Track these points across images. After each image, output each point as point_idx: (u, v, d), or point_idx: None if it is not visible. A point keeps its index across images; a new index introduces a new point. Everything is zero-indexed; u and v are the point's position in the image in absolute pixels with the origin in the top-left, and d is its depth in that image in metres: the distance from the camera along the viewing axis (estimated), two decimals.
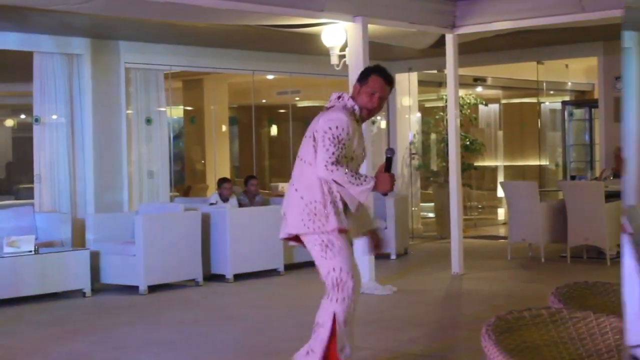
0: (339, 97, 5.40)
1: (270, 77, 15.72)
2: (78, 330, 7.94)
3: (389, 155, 5.23)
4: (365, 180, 5.13)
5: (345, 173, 5.09)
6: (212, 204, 11.29)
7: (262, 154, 19.02)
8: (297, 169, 5.35)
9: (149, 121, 12.40)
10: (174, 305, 9.18)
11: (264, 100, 18.64)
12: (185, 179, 17.19)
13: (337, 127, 5.15)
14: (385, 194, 5.33)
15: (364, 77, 5.44)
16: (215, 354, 6.80)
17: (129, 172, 12.04)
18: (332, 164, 5.08)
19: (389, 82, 5.45)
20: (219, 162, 16.05)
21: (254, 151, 15.38)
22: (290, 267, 11.18)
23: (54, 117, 11.47)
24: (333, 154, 5.09)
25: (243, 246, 10.58)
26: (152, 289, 9.80)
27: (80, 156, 11.55)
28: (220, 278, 10.53)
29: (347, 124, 5.17)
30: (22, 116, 19.09)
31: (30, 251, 9.37)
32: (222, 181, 11.81)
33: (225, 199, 11.48)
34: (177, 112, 17.27)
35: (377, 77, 5.40)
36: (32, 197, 11.70)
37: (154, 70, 12.48)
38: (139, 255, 9.74)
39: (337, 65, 10.47)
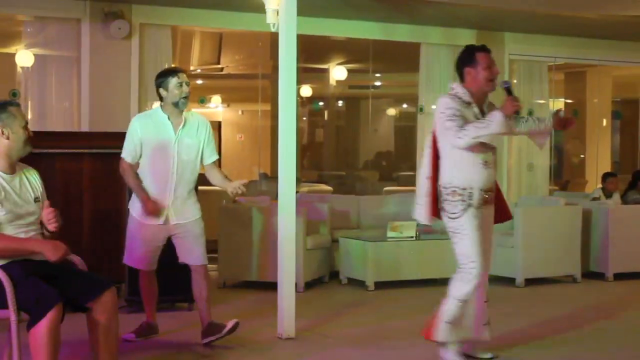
0: (452, 88, 5.80)
1: None
2: None
3: (505, 87, 5.66)
4: (491, 116, 5.51)
5: (474, 126, 5.49)
6: (595, 198, 10.97)
7: None
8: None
9: (530, 113, 12.27)
10: (551, 300, 9.02)
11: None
12: (563, 173, 16.86)
13: (447, 109, 5.58)
14: (517, 113, 5.62)
15: (470, 59, 5.79)
16: (592, 353, 6.59)
17: (509, 164, 12.01)
18: (459, 131, 5.49)
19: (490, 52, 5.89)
20: (600, 157, 15.56)
21: (638, 147, 14.75)
22: None
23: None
24: (456, 125, 5.51)
25: (625, 244, 10.16)
26: (529, 282, 9.71)
27: None
28: (599, 276, 10.21)
29: (451, 104, 5.60)
30: (404, 105, 19.69)
31: (412, 237, 9.65)
32: (607, 175, 11.44)
33: (608, 194, 11.11)
34: (558, 104, 16.95)
35: (482, 53, 5.81)
36: (413, 184, 12.03)
37: (537, 62, 12.34)
38: (517, 247, 9.69)
39: None
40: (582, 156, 16.48)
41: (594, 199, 11.01)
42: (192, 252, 6.53)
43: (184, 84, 6.40)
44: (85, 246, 8.03)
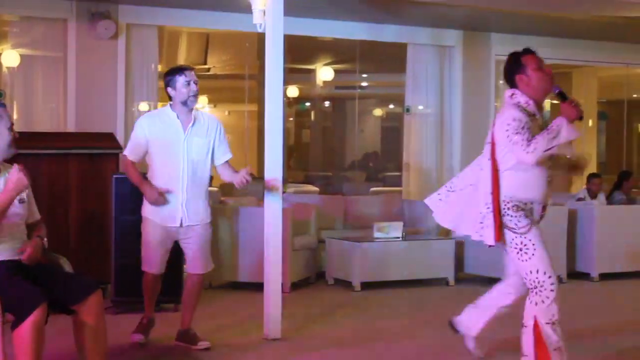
0: (511, 95, 5.37)
1: None
2: (441, 318, 8.03)
3: (557, 91, 5.26)
4: (557, 124, 5.08)
5: (543, 138, 5.05)
6: (580, 199, 11.02)
7: (631, 150, 18.27)
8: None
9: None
10: None
11: (634, 95, 17.88)
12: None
13: (513, 120, 5.16)
14: (580, 119, 5.18)
15: (517, 66, 5.42)
16: (579, 352, 6.62)
17: None
18: (528, 145, 5.07)
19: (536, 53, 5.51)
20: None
21: (624, 147, 14.80)
22: None
23: (424, 107, 11.73)
24: (523, 139, 5.09)
25: (611, 245, 10.20)
26: None
27: (448, 146, 11.73)
28: (585, 276, 10.24)
29: (517, 115, 5.17)
30: (391, 106, 19.70)
31: (398, 237, 9.67)
32: (591, 176, 11.50)
33: (593, 195, 11.16)
34: (544, 105, 17.00)
35: (528, 55, 5.45)
36: (399, 185, 12.07)
37: None
38: (502, 247, 9.69)
39: None
40: (567, 157, 16.49)
41: (579, 199, 11.06)
42: (196, 259, 6.42)
43: (192, 82, 6.27)
44: (71, 247, 8.03)
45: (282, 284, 7.06)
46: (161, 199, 6.23)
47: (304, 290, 9.33)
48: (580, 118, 5.16)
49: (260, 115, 11.60)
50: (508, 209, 5.29)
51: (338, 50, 14.64)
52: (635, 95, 17.58)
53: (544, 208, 5.46)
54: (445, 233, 10.74)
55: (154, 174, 6.35)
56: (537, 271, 5.25)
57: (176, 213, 6.28)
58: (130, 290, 7.73)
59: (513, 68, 5.44)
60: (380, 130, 20.30)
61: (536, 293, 5.27)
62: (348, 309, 8.39)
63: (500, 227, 5.31)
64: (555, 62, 13.31)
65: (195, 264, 6.45)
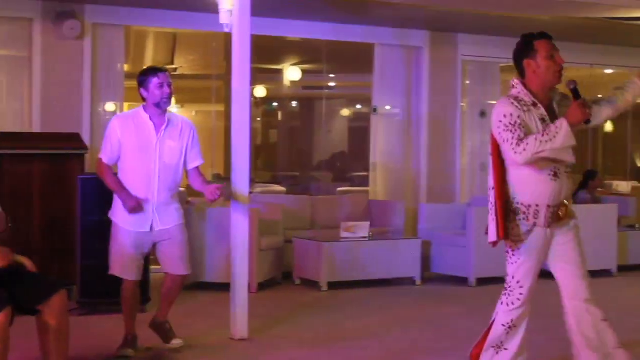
0: (513, 85, 5.01)
1: (608, 71, 15.15)
2: (408, 317, 8.10)
3: (572, 87, 4.86)
4: (556, 127, 4.71)
5: (536, 139, 4.71)
6: None
7: (596, 150, 18.42)
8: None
9: (483, 114, 12.38)
10: None
11: (599, 95, 18.02)
12: None
13: (504, 116, 4.82)
14: (587, 122, 4.83)
15: (528, 50, 4.97)
16: (541, 352, 6.67)
17: (462, 164, 12.11)
18: (517, 145, 4.74)
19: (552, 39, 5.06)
20: None
21: (589, 147, 14.93)
22: (624, 269, 10.76)
23: (391, 107, 11.77)
24: (513, 137, 4.76)
25: None
26: (481, 281, 9.79)
27: (415, 146, 11.76)
28: (550, 275, 10.26)
29: (509, 111, 4.82)
30: (358, 106, 19.72)
31: (365, 237, 9.69)
32: None
33: None
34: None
35: (542, 40, 5.00)
36: (366, 185, 12.10)
37: (490, 63, 12.44)
38: (469, 246, 9.77)
39: None
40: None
41: None
42: (174, 260, 6.28)
43: (165, 85, 6.16)
44: (35, 248, 7.97)
45: (248, 284, 7.06)
46: (139, 208, 6.10)
47: (271, 291, 9.33)
48: (587, 122, 4.83)
49: (228, 116, 11.57)
50: (511, 211, 5.00)
51: (305, 51, 14.64)
52: (599, 95, 17.62)
53: (562, 209, 5.01)
54: (412, 233, 10.80)
55: (124, 177, 6.20)
56: (512, 277, 5.15)
57: (146, 218, 6.16)
58: (96, 291, 7.72)
59: (523, 51, 5.00)
60: (347, 130, 20.32)
61: (506, 295, 5.22)
62: (315, 308, 8.40)
63: (503, 225, 4.99)
64: None
65: (175, 265, 6.28)
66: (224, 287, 7.16)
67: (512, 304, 5.16)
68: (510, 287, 5.16)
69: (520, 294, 5.14)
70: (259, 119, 18.89)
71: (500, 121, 4.82)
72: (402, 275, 9.84)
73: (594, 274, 10.26)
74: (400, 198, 11.43)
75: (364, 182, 12.79)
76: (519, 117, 4.80)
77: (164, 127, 6.20)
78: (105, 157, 6.23)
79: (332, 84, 17.63)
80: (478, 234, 9.77)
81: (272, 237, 9.57)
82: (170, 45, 14.93)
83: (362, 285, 9.48)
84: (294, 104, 19.64)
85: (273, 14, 10.37)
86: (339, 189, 14.19)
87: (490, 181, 5.04)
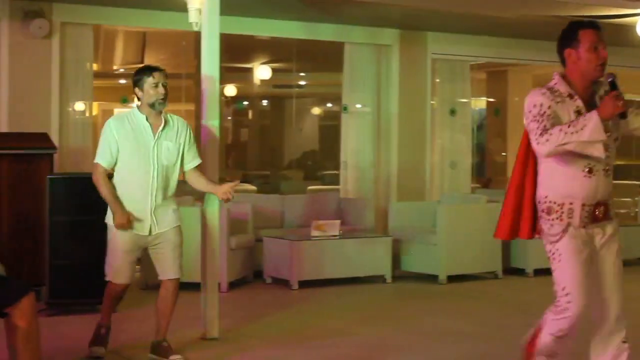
0: (553, 78, 4.65)
1: None
2: (379, 315, 8.13)
3: (610, 80, 4.45)
4: (585, 118, 4.33)
5: (560, 130, 4.33)
6: None
7: None
8: None
9: (452, 112, 12.43)
10: (473, 296, 9.16)
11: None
12: (485, 171, 17.10)
13: (534, 106, 4.48)
14: (622, 116, 4.40)
15: (571, 38, 4.57)
16: (514, 349, 6.70)
17: (432, 162, 12.15)
18: (541, 135, 4.38)
19: (600, 29, 4.61)
20: None
21: None
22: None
23: (361, 106, 11.79)
24: (538, 127, 4.41)
25: None
26: (451, 279, 9.83)
27: (385, 145, 11.78)
28: (520, 272, 10.39)
29: (540, 100, 4.47)
30: (329, 105, 19.76)
31: (336, 235, 9.70)
32: None
33: None
34: (479, 103, 17.21)
35: (587, 30, 4.56)
36: (337, 183, 12.11)
37: (459, 61, 12.49)
38: (439, 244, 9.80)
39: None
40: (503, 154, 16.72)
41: None
42: (166, 265, 6.15)
43: (160, 85, 5.99)
44: (4, 248, 7.91)
45: (219, 284, 7.04)
46: (128, 225, 5.97)
47: (242, 290, 9.32)
48: (623, 116, 4.43)
49: (198, 115, 11.53)
50: (542, 210, 4.64)
51: (275, 49, 14.64)
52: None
53: (599, 208, 4.61)
54: (382, 231, 10.83)
55: (122, 179, 6.05)
56: (558, 284, 4.63)
57: (145, 221, 6.04)
58: (66, 292, 7.70)
59: (566, 39, 4.62)
60: (318, 129, 20.37)
61: (554, 305, 4.70)
62: (286, 307, 8.40)
63: (531, 222, 4.73)
64: (490, 61, 13.51)
65: (168, 269, 6.17)
66: (195, 287, 7.13)
67: (560, 313, 4.65)
68: (557, 295, 4.65)
69: (568, 302, 4.58)
70: (229, 117, 18.88)
71: (530, 111, 4.50)
72: (372, 274, 9.86)
73: None
74: (371, 196, 11.46)
75: (335, 180, 12.81)
76: (549, 107, 4.47)
77: (160, 128, 6.05)
78: (104, 161, 6.03)
79: (302, 83, 17.67)
80: (448, 232, 9.83)
81: (242, 236, 9.55)
82: (140, 44, 14.88)
83: (333, 283, 9.49)
84: (265, 102, 19.65)
85: (243, 13, 10.35)
86: (309, 187, 14.20)
87: (516, 178, 4.76)
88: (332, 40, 11.62)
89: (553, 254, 4.63)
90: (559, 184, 4.57)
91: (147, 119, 6.05)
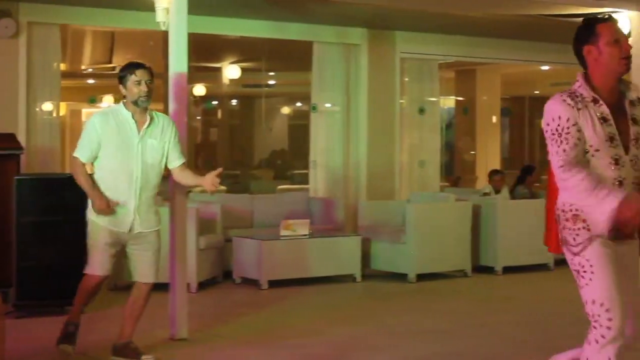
0: (577, 80, 4.14)
1: (545, 68, 15.36)
2: (349, 314, 8.13)
3: None
4: (607, 197, 3.85)
5: (588, 185, 3.89)
6: (485, 194, 11.24)
7: (534, 145, 18.69)
8: None
9: (421, 111, 12.47)
10: (442, 295, 9.20)
11: (536, 92, 18.28)
12: (454, 170, 17.18)
13: (552, 120, 4.01)
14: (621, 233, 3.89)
15: (588, 34, 4.11)
16: (484, 347, 6.75)
17: (401, 161, 12.17)
18: (564, 170, 3.95)
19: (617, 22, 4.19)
20: (489, 154, 15.91)
21: (526, 143, 15.12)
22: (561, 263, 10.89)
23: (331, 105, 11.79)
24: (558, 148, 3.97)
25: (513, 239, 10.42)
26: (420, 277, 9.86)
27: (354, 144, 11.79)
28: (489, 270, 10.44)
29: (559, 112, 3.99)
30: (298, 104, 19.76)
31: (305, 235, 9.70)
32: (493, 173, 11.73)
33: (497, 191, 11.39)
34: (448, 102, 17.28)
35: (605, 23, 4.12)
36: (307, 183, 12.11)
37: (428, 60, 12.53)
38: (409, 243, 9.83)
39: None
40: (472, 153, 16.80)
41: (485, 194, 11.26)
42: (143, 268, 6.09)
43: (142, 82, 5.94)
44: None
45: (188, 284, 7.02)
46: (109, 210, 5.92)
47: (211, 290, 9.30)
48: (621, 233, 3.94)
49: (166, 114, 11.49)
50: (567, 220, 4.07)
51: (244, 49, 14.60)
52: (536, 92, 17.96)
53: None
54: (352, 230, 10.84)
55: (105, 176, 5.98)
56: (593, 302, 3.96)
57: (127, 218, 5.98)
58: (33, 293, 7.63)
59: (583, 36, 4.15)
60: (287, 128, 20.35)
61: (592, 329, 3.98)
62: (255, 307, 8.39)
63: (554, 233, 4.27)
64: (459, 60, 13.55)
65: (145, 272, 6.11)
66: (164, 287, 7.10)
67: (603, 337, 3.92)
68: (594, 316, 3.96)
69: (609, 319, 3.90)
70: (198, 117, 18.82)
71: (548, 124, 4.04)
72: (342, 273, 9.87)
73: (532, 269, 10.53)
74: (340, 195, 11.46)
75: (304, 179, 12.80)
76: (567, 120, 3.97)
77: (145, 125, 6.01)
78: (83, 156, 5.97)
79: (271, 82, 17.64)
80: (417, 231, 9.86)
81: (211, 236, 9.53)
82: (108, 44, 14.80)
83: (303, 283, 9.49)
84: (234, 102, 19.60)
85: (211, 12, 10.33)
86: (279, 187, 14.19)
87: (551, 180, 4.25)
88: (301, 40, 11.61)
89: (583, 266, 4.00)
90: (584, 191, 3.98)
91: (132, 116, 6.00)
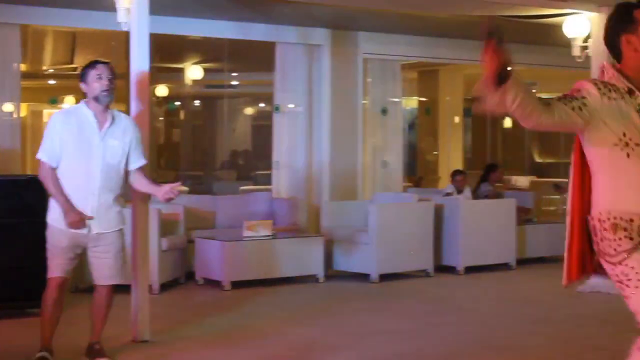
0: (602, 71, 3.66)
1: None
2: (312, 314, 8.14)
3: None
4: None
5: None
6: (448, 194, 11.29)
7: (495, 146, 18.80)
8: None
9: (384, 111, 12.50)
10: (404, 295, 9.23)
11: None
12: (417, 170, 17.23)
13: (577, 92, 3.52)
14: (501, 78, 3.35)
15: (626, 21, 3.61)
16: (446, 346, 6.78)
17: (364, 161, 12.20)
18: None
19: None
20: (452, 154, 15.99)
21: (487, 143, 15.21)
22: (523, 262, 10.99)
23: (293, 105, 11.79)
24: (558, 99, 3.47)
25: (475, 238, 10.48)
26: (383, 277, 9.89)
27: (317, 144, 11.79)
28: (450, 270, 10.49)
29: (587, 88, 3.49)
30: (261, 104, 19.73)
31: (268, 236, 9.69)
32: (455, 173, 11.80)
33: (459, 191, 11.45)
34: (411, 102, 17.34)
35: None
36: (270, 183, 12.10)
37: (391, 61, 12.56)
38: (371, 243, 9.85)
39: (579, 57, 10.15)
40: (435, 153, 16.86)
41: (447, 194, 11.31)
42: (102, 270, 6.02)
43: (104, 77, 5.86)
44: None
45: (150, 285, 6.99)
46: (81, 224, 5.84)
47: (174, 291, 9.26)
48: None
49: (128, 115, 11.43)
50: (604, 229, 3.60)
51: (207, 49, 14.55)
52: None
53: None
54: (315, 230, 10.84)
55: (64, 176, 5.87)
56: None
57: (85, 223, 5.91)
58: None
59: (619, 24, 3.64)
60: (250, 129, 20.31)
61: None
62: (218, 308, 8.37)
63: (578, 261, 3.75)
64: (421, 60, 13.61)
65: (103, 274, 6.05)
66: (125, 289, 7.06)
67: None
68: None
69: None
70: (161, 118, 18.72)
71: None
72: (305, 273, 9.87)
73: (493, 268, 10.60)
74: (303, 196, 11.46)
75: (267, 180, 12.78)
76: (589, 94, 3.49)
77: (107, 125, 5.93)
78: (46, 156, 5.85)
79: (234, 83, 17.60)
80: (380, 231, 9.88)
81: (174, 237, 9.50)
82: (69, 45, 14.69)
83: (266, 284, 9.49)
84: (196, 102, 19.53)
85: (173, 12, 10.28)
86: (242, 187, 14.16)
87: (568, 201, 3.79)
88: (263, 40, 11.60)
89: (627, 275, 3.56)
90: (626, 195, 3.57)
91: (94, 116, 5.92)
